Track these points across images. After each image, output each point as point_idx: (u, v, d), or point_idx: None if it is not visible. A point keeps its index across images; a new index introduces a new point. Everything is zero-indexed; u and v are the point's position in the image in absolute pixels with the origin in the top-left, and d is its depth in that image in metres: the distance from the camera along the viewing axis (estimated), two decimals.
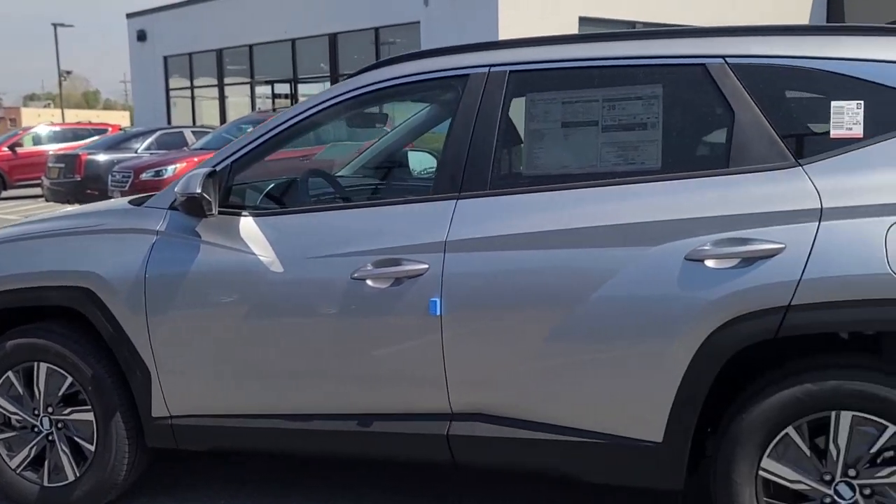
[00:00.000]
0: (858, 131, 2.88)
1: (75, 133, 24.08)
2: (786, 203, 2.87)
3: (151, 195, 3.90)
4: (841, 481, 2.85)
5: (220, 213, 3.49)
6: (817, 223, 2.82)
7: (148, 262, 3.58)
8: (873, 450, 2.82)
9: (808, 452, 2.88)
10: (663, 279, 2.95)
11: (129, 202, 3.94)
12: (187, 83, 28.83)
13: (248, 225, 3.50)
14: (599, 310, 3.01)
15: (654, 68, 3.19)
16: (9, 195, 22.17)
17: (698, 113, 3.16)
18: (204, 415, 3.62)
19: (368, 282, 3.25)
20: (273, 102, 25.57)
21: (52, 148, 21.51)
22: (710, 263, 2.89)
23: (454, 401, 3.25)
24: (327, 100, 3.60)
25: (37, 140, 23.83)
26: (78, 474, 3.78)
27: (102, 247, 3.74)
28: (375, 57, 20.81)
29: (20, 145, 22.73)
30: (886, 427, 2.78)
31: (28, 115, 79.72)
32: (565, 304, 3.06)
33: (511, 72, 3.32)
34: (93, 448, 3.74)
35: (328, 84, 21.82)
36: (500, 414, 3.22)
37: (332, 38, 22.26)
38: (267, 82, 26.03)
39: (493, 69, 3.34)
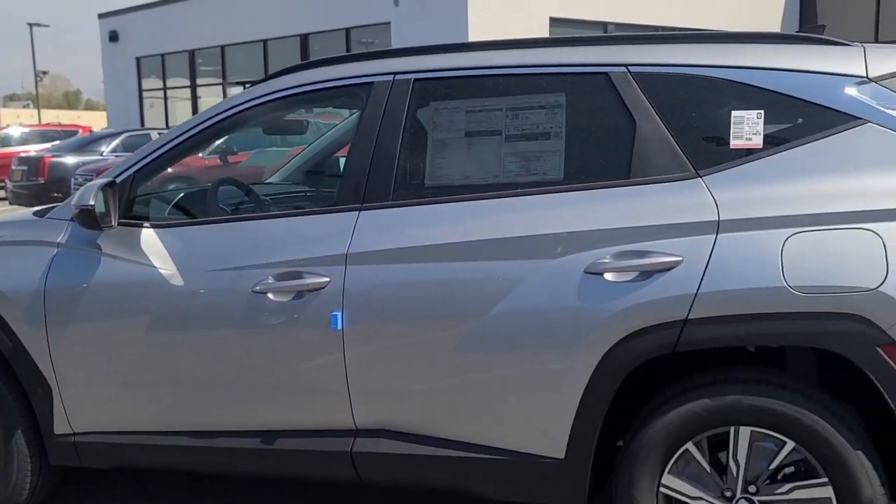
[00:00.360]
0: (758, 141, 2.83)
1: (45, 135, 23.89)
2: (684, 215, 2.81)
3: (55, 206, 3.81)
4: (741, 498, 2.82)
5: (120, 224, 3.41)
6: (715, 236, 2.77)
7: (48, 274, 3.50)
8: (773, 466, 2.78)
9: (708, 468, 2.84)
10: (563, 293, 2.89)
11: (34, 213, 3.86)
12: (160, 84, 28.66)
13: (149, 237, 3.42)
14: (500, 324, 2.96)
15: (557, 77, 3.14)
16: None
17: (601, 122, 3.09)
18: (107, 431, 3.53)
19: (270, 295, 3.18)
20: None
21: (21, 150, 21.33)
22: (609, 277, 2.83)
23: (358, 417, 3.18)
24: (232, 107, 3.52)
25: (6, 142, 23.63)
26: None
27: (2, 260, 3.65)
28: None
29: None
30: (786, 443, 2.74)
31: (7, 116, 79.32)
32: (466, 318, 3.00)
33: (416, 80, 3.25)
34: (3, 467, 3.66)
35: None
36: (404, 430, 3.15)
37: (304, 39, 22.19)
38: (239, 83, 25.82)
39: (397, 77, 3.27)
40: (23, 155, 18.07)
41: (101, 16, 29.40)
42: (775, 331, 2.72)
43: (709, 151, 2.87)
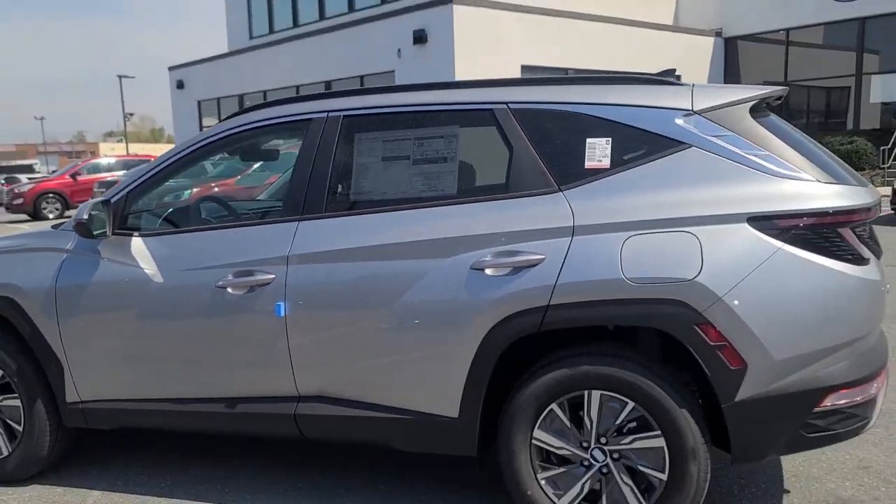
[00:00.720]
0: (606, 163, 2.82)
1: (126, 163, 23.92)
2: (548, 222, 2.80)
3: (68, 220, 3.80)
4: (595, 447, 2.81)
5: (115, 234, 3.41)
6: (570, 238, 2.76)
7: (58, 275, 3.49)
8: (618, 421, 2.77)
9: (568, 424, 2.83)
10: (455, 285, 2.88)
11: (52, 226, 3.84)
12: (216, 122, 28.58)
13: (137, 244, 3.40)
14: (407, 310, 2.94)
15: (453, 113, 3.11)
16: (70, 215, 22.11)
17: (486, 149, 3.09)
18: (107, 399, 3.52)
19: (229, 289, 3.17)
20: None
21: (104, 176, 21.56)
22: (489, 272, 2.82)
23: (300, 386, 3.17)
24: (203, 140, 3.50)
25: (96, 169, 23.70)
26: (10, 450, 3.69)
27: (24, 263, 3.64)
28: None
29: (80, 174, 22.62)
30: (627, 403, 2.73)
31: (104, 149, 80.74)
32: (381, 305, 2.98)
33: (344, 116, 3.24)
34: (21, 428, 3.65)
35: None
36: (336, 396, 3.14)
37: (328, 85, 22.12)
38: None
39: (330, 114, 3.26)
40: (101, 180, 18.13)
41: (170, 68, 29.38)
42: (616, 314, 2.71)
43: (569, 171, 2.86)
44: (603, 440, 2.79)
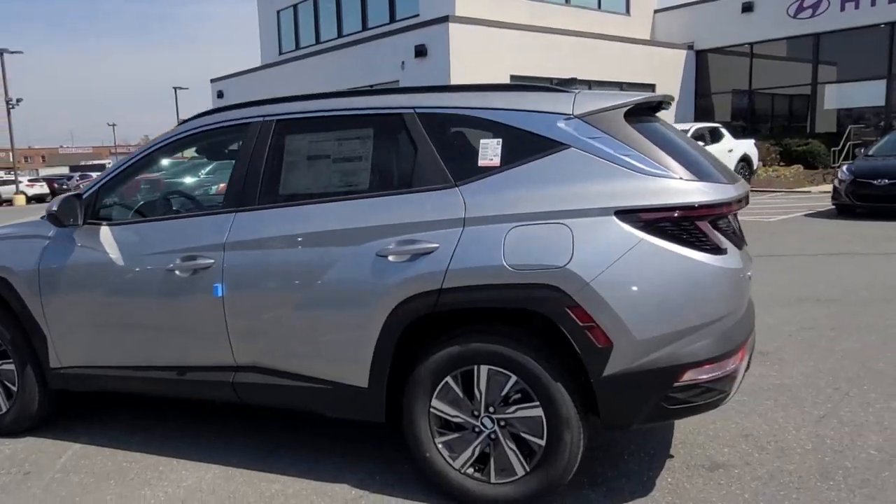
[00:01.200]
0: (497, 161, 2.73)
1: (175, 163, 23.94)
2: (443, 214, 2.72)
3: None
4: (484, 416, 2.74)
5: (87, 223, 3.38)
6: (462, 229, 2.68)
7: (41, 259, 3.47)
8: (503, 393, 2.70)
9: (461, 395, 2.76)
10: (363, 269, 2.81)
11: (41, 217, 3.81)
12: None
13: (105, 232, 3.37)
14: (324, 291, 2.88)
15: (367, 116, 3.03)
16: None
17: (395, 149, 2.99)
18: (82, 366, 3.50)
19: (177, 272, 3.13)
20: None
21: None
22: (391, 258, 2.75)
23: (237, 357, 3.12)
24: (160, 142, 3.45)
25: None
26: (8, 406, 3.69)
27: (15, 248, 3.62)
28: None
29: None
30: (510, 377, 2.66)
31: None
32: (302, 287, 2.93)
33: (277, 120, 3.17)
34: (15, 388, 3.65)
35: None
36: (268, 367, 3.08)
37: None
38: None
39: (265, 118, 3.19)
40: (145, 178, 18.11)
41: (212, 80, 29.34)
42: (499, 297, 2.62)
43: (464, 168, 2.77)
44: (491, 409, 2.72)
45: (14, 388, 3.67)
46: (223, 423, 3.79)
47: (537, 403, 2.64)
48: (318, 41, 25.51)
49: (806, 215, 12.13)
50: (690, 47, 24.05)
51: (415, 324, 2.76)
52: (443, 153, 2.82)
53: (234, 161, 3.22)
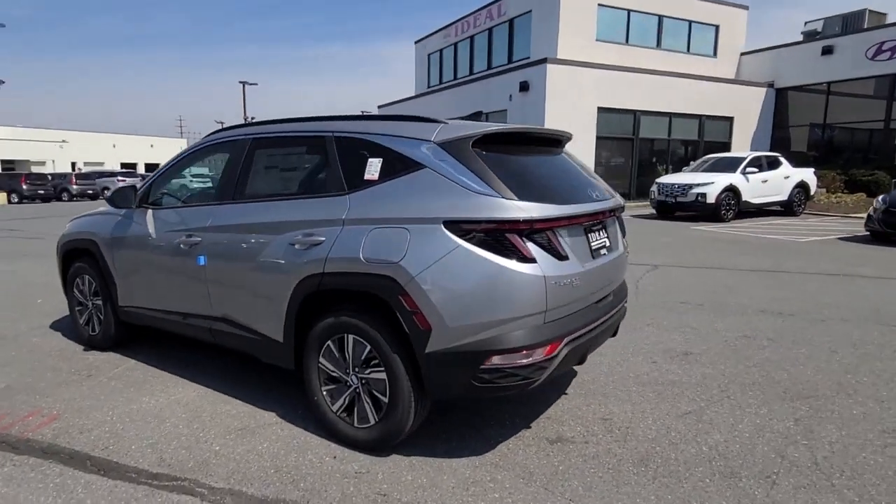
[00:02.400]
0: (376, 176, 2.72)
1: None
2: (332, 215, 2.76)
3: None
4: (352, 374, 2.76)
5: (139, 207, 3.78)
6: (342, 227, 2.71)
7: (112, 229, 3.93)
8: (362, 358, 2.70)
9: (338, 356, 2.79)
10: (281, 253, 2.92)
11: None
12: None
13: (149, 214, 3.74)
14: (259, 266, 3.02)
15: (304, 138, 3.12)
16: None
17: (317, 163, 3.06)
18: (132, 306, 3.92)
19: (181, 245, 3.42)
20: None
21: None
22: (297, 246, 2.84)
23: (213, 311, 3.35)
24: (188, 151, 3.77)
25: None
26: (98, 330, 4.21)
27: (101, 221, 4.10)
28: None
29: None
30: (366, 346, 2.66)
31: None
32: (248, 261, 3.07)
33: (252, 139, 3.34)
34: (102, 318, 4.16)
35: None
36: (231, 320, 3.27)
37: (469, 117, 21.97)
38: None
39: (247, 137, 3.37)
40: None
41: (379, 107, 30.54)
42: (356, 282, 2.62)
43: (355, 181, 2.78)
44: (356, 369, 2.73)
45: (101, 317, 4.19)
46: (226, 361, 4.09)
47: (382, 369, 2.62)
48: (455, 77, 25.78)
49: (840, 238, 10.56)
50: (771, 85, 21.54)
51: (309, 298, 2.82)
52: (344, 168, 2.84)
53: (225, 166, 3.45)
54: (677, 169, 18.24)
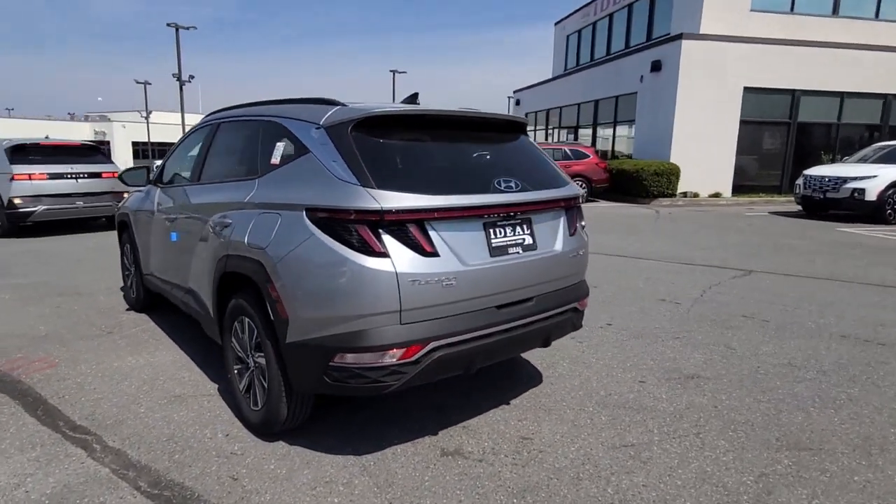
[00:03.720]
0: (278, 161, 2.71)
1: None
2: (241, 199, 2.82)
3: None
4: (250, 355, 2.80)
5: (154, 184, 4.20)
6: (242, 211, 2.75)
7: (136, 203, 4.43)
8: (253, 342, 2.73)
9: (242, 337, 2.84)
10: (209, 234, 3.05)
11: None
12: (542, 127, 28.36)
13: (159, 191, 4.13)
14: (199, 247, 3.19)
15: (243, 122, 3.23)
16: None
17: (250, 148, 3.03)
18: (150, 273, 4.36)
19: (167, 221, 3.76)
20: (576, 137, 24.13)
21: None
22: (217, 228, 2.94)
23: (188, 283, 3.56)
24: (188, 132, 4.06)
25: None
26: (135, 294, 4.75)
27: (135, 197, 4.62)
28: (614, 112, 19.18)
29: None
30: (255, 330, 2.68)
31: None
32: (195, 240, 3.25)
33: (219, 122, 3.52)
34: (131, 282, 4.73)
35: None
36: (194, 291, 3.40)
37: (595, 105, 20.73)
38: (567, 128, 24.72)
39: (214, 121, 3.57)
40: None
41: (514, 91, 30.12)
42: (244, 266, 2.63)
43: (265, 166, 2.79)
44: (252, 352, 2.77)
45: (135, 281, 4.74)
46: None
47: (262, 354, 2.62)
48: (591, 59, 24.49)
49: None
50: None
51: (223, 278, 2.90)
52: (262, 152, 2.87)
53: (199, 149, 3.67)
54: None
